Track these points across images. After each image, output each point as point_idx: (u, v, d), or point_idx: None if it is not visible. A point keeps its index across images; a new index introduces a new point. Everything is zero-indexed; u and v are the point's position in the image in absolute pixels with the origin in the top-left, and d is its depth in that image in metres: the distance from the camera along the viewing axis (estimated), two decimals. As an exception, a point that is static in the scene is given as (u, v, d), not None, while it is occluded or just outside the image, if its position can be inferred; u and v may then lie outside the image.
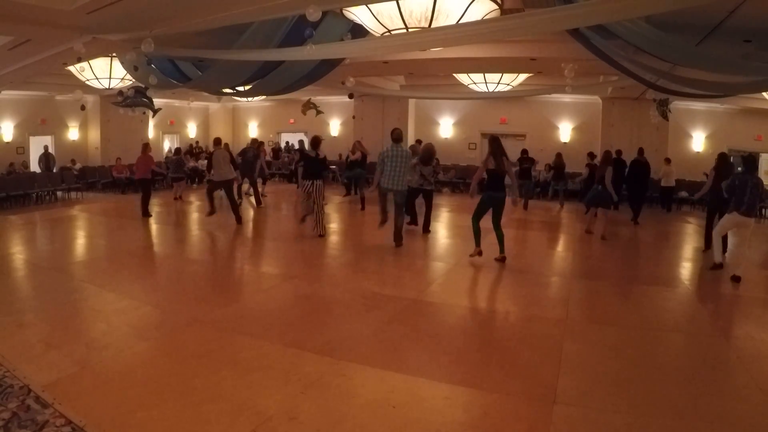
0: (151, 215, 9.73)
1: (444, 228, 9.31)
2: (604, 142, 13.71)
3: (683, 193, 12.73)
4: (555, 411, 3.00)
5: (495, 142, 6.41)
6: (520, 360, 3.75)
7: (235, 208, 9.20)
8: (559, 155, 12.69)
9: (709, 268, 6.46)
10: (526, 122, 15.55)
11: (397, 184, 7.14)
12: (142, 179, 9.95)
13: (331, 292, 5.38)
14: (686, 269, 7.03)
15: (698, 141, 14.17)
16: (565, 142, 15.05)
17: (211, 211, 9.07)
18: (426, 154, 8.26)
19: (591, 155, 11.38)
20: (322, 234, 7.83)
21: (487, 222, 6.46)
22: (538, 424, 2.88)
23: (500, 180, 6.34)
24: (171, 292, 5.39)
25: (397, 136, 7.27)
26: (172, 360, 3.62)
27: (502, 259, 6.48)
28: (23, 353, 3.61)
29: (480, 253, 6.45)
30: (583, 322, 4.64)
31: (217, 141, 9.90)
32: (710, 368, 3.69)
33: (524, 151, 12.32)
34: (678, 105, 12.14)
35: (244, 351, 3.77)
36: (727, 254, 7.11)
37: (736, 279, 5.91)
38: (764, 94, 9.32)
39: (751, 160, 6.32)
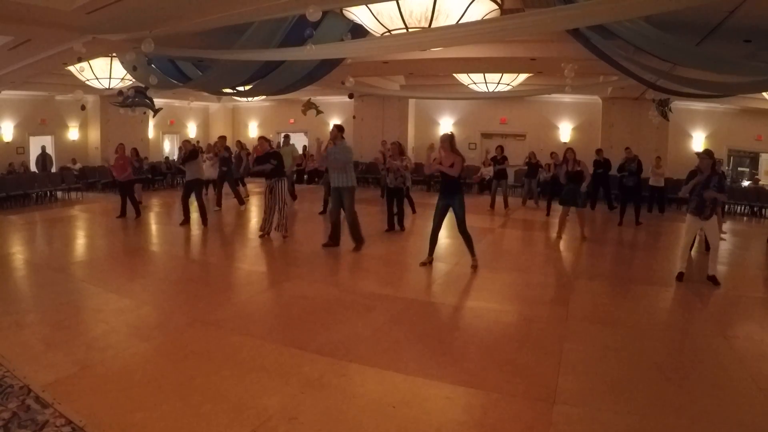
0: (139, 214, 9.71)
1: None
2: (604, 142, 13.73)
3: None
4: (555, 411, 3.00)
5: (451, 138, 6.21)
6: (520, 360, 3.75)
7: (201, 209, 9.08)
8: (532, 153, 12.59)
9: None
10: (526, 122, 15.55)
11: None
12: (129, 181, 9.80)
13: (331, 292, 5.38)
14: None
15: (698, 141, 14.15)
16: (565, 142, 15.03)
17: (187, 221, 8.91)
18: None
19: (553, 155, 11.45)
20: (268, 234, 7.76)
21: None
22: (538, 424, 2.88)
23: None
24: (171, 292, 5.39)
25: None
26: (172, 360, 3.62)
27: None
28: (23, 353, 3.61)
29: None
30: (583, 322, 4.63)
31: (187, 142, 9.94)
32: (710, 368, 3.69)
33: (500, 149, 11.67)
34: (678, 105, 12.12)
35: (244, 351, 3.77)
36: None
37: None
38: (764, 94, 9.32)
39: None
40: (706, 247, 7.41)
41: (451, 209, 6.16)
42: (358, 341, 4.00)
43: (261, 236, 7.80)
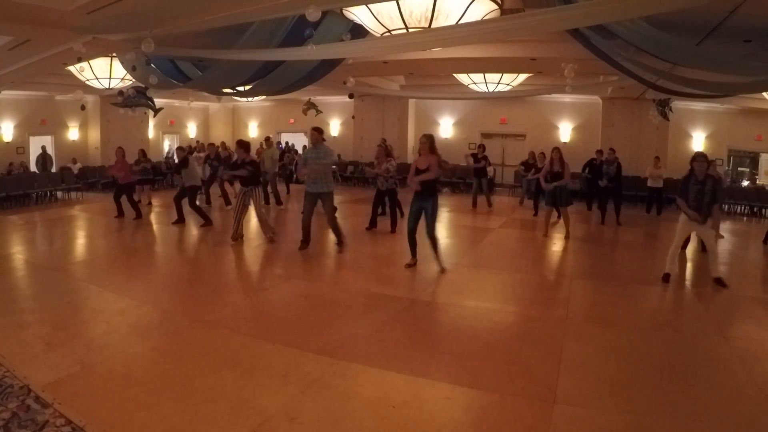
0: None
1: (443, 228, 9.30)
2: (604, 142, 13.73)
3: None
4: (555, 411, 3.00)
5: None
6: (520, 360, 3.75)
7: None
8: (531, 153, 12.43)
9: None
10: (526, 122, 15.56)
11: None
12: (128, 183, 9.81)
13: (331, 292, 5.38)
14: (686, 269, 7.02)
15: (698, 141, 14.16)
16: (565, 142, 15.04)
17: (208, 221, 8.91)
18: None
19: (531, 154, 11.44)
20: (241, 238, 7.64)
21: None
22: (538, 424, 2.88)
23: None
24: (171, 292, 5.39)
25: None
26: (172, 360, 3.62)
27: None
28: (23, 353, 3.61)
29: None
30: (583, 322, 4.63)
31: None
32: (710, 368, 3.69)
33: (481, 147, 11.70)
34: (678, 105, 12.13)
35: (244, 351, 3.77)
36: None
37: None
38: (764, 94, 9.33)
39: None
40: (703, 247, 7.43)
41: (423, 211, 5.90)
42: (358, 341, 4.00)
43: (234, 243, 7.48)
